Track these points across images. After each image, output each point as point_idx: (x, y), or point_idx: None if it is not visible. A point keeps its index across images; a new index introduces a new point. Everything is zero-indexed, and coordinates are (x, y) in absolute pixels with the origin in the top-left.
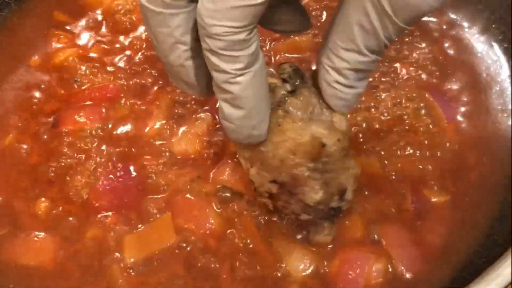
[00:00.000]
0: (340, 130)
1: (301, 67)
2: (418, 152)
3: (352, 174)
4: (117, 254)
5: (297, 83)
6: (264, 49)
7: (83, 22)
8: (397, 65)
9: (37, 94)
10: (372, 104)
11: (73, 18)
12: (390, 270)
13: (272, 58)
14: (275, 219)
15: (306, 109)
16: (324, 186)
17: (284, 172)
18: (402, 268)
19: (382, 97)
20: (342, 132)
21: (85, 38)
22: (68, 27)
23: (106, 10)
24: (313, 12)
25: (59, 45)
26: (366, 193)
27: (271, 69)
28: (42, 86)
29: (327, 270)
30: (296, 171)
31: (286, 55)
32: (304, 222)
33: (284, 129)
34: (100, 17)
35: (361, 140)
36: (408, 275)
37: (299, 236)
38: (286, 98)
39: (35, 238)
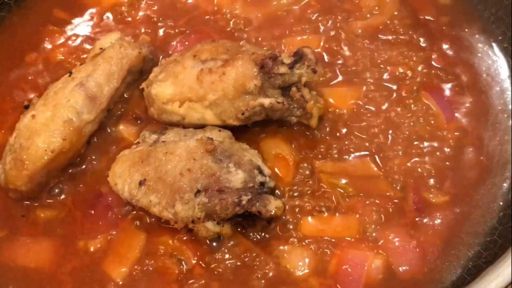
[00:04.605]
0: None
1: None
2: (418, 152)
3: (254, 153)
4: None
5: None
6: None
7: (81, 19)
8: (396, 65)
9: (33, 91)
10: (372, 104)
11: (72, 16)
12: (389, 269)
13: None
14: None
15: (178, 135)
16: (238, 166)
17: (197, 177)
18: (402, 268)
19: (382, 97)
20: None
21: (83, 34)
22: (66, 25)
23: (105, 7)
24: (312, 15)
25: (57, 42)
26: (366, 193)
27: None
28: (39, 81)
29: (327, 269)
30: (205, 167)
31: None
32: (249, 206)
33: (171, 151)
34: (98, 15)
35: (360, 141)
36: (408, 275)
37: (262, 223)
38: (158, 138)
39: (35, 241)
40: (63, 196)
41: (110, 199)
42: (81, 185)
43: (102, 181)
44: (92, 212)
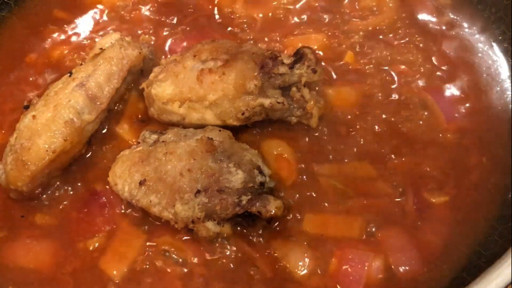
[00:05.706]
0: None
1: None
2: (418, 152)
3: (254, 153)
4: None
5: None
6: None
7: (81, 20)
8: (396, 65)
9: (32, 90)
10: (373, 103)
11: (72, 16)
12: (389, 269)
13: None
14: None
15: (178, 135)
16: (238, 166)
17: (197, 177)
18: (402, 268)
19: (383, 97)
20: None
21: (83, 34)
22: (66, 24)
23: (105, 7)
24: (312, 15)
25: (57, 42)
26: (366, 193)
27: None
28: (40, 81)
29: (327, 269)
30: (205, 167)
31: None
32: (249, 206)
33: (171, 152)
34: (98, 15)
35: (360, 140)
36: (408, 275)
37: (262, 223)
38: (158, 138)
39: (34, 241)
40: (62, 196)
41: (105, 197)
42: (80, 185)
43: (100, 180)
44: (89, 211)
